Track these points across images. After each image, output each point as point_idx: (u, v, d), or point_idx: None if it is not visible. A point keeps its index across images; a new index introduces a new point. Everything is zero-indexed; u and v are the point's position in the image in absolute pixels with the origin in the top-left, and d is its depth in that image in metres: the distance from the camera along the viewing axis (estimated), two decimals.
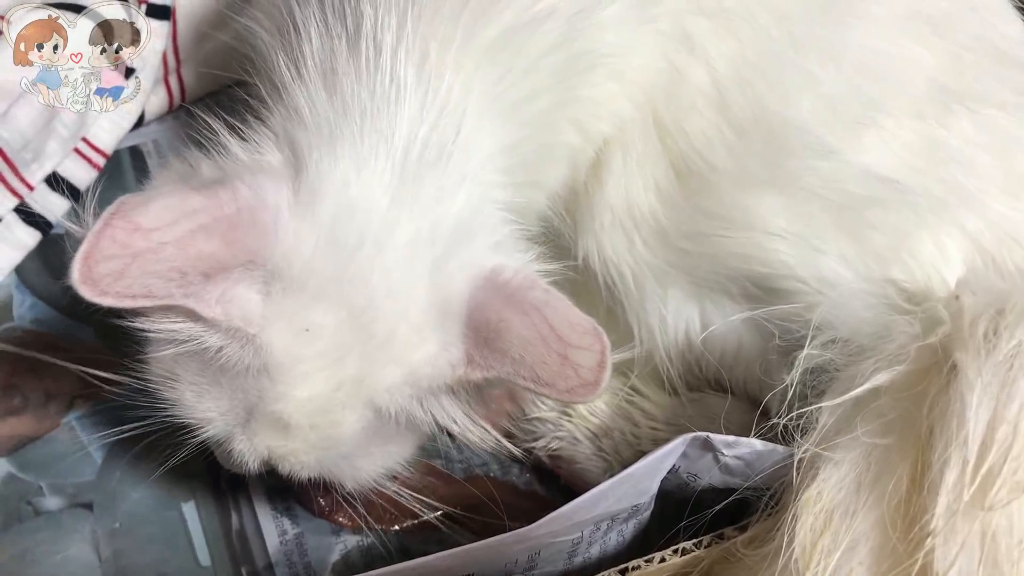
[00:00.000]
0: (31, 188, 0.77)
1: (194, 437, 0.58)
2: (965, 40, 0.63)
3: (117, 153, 0.83)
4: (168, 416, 0.57)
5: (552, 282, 0.55)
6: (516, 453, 0.68)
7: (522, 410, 0.74)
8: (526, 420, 0.74)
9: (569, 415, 0.73)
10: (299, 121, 0.55)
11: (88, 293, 0.48)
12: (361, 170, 0.53)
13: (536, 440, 0.74)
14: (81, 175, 0.80)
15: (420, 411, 0.56)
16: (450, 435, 0.59)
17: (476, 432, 0.58)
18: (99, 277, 0.48)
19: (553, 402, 0.73)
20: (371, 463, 0.60)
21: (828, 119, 0.60)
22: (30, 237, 0.78)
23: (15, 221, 0.77)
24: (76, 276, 0.47)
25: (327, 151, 0.53)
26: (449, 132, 0.54)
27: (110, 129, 0.81)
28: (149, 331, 0.53)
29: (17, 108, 0.75)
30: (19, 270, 0.78)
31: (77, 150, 0.79)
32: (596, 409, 0.72)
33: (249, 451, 0.57)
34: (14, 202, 0.77)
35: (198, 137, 0.56)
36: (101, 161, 0.81)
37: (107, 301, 0.48)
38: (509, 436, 0.75)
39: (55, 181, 0.78)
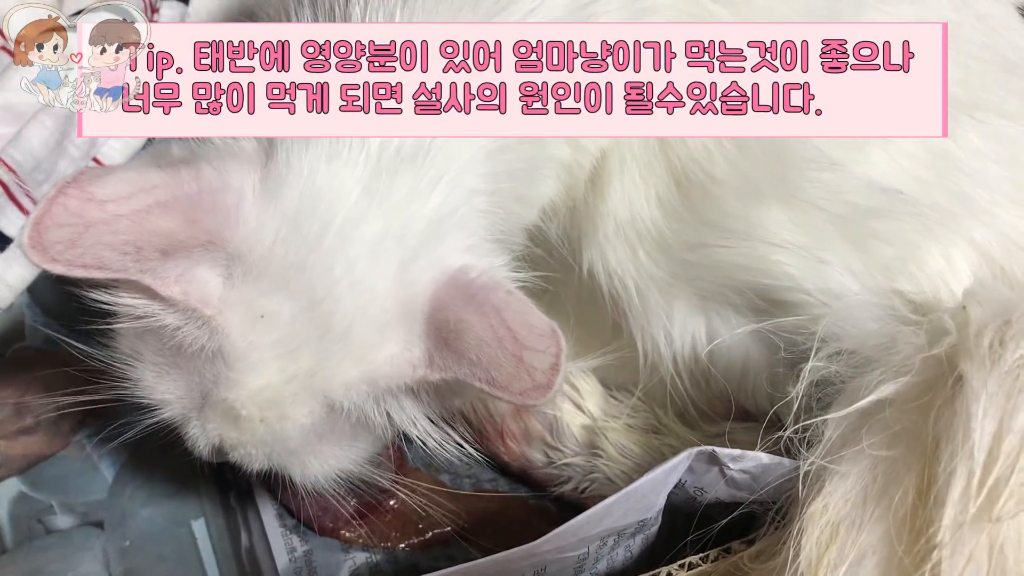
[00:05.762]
0: None
1: (151, 417, 0.58)
2: (972, 50, 0.62)
3: None
4: (128, 395, 0.57)
5: (524, 288, 0.55)
6: (479, 460, 0.68)
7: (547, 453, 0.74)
8: (554, 465, 0.73)
9: (599, 456, 0.71)
10: None
11: (37, 258, 0.48)
12: (332, 160, 0.53)
13: (564, 484, 0.73)
14: None
15: (375, 411, 0.55)
16: (407, 438, 0.58)
17: (436, 436, 0.58)
18: (49, 244, 0.48)
19: (578, 445, 0.72)
20: (321, 461, 0.60)
21: None
22: None
23: None
24: (26, 241, 0.48)
25: (300, 139, 0.53)
26: None
27: (121, 149, 0.80)
28: (106, 304, 0.53)
29: (29, 130, 0.75)
30: (31, 290, 0.78)
31: None
32: (627, 450, 0.71)
33: (202, 437, 0.57)
34: None
35: None
36: None
37: (57, 268, 0.49)
38: (525, 474, 0.75)
39: None
